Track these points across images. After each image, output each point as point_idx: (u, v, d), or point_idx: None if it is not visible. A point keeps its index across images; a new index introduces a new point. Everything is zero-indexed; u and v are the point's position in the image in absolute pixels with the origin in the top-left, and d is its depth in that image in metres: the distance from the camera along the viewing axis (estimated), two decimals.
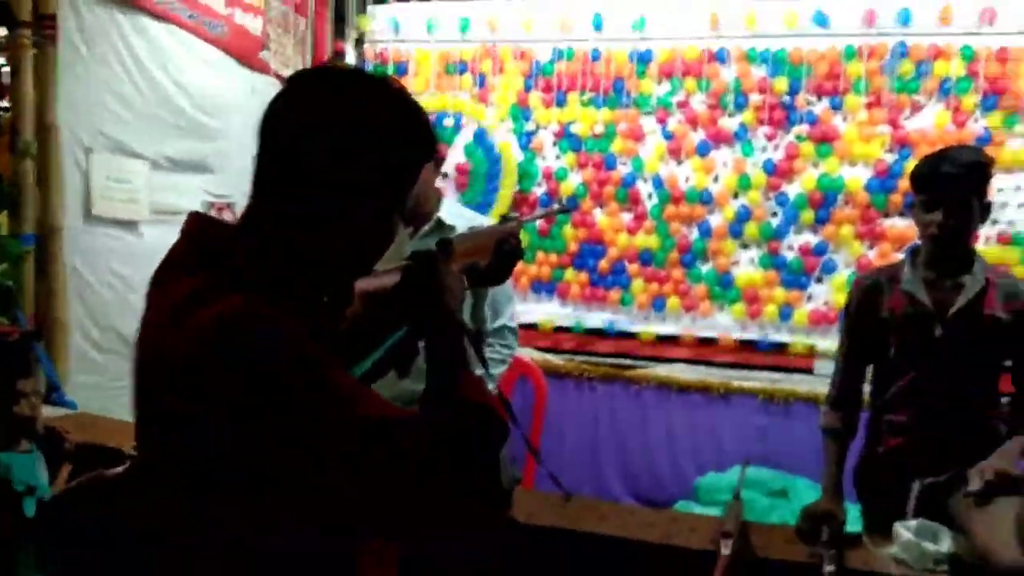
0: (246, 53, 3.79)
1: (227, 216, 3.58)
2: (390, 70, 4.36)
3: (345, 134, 0.96)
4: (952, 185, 1.96)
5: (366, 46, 4.40)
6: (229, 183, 3.61)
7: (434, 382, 1.04)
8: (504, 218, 1.41)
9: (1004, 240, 3.60)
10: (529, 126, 4.19)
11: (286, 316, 0.91)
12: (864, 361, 2.24)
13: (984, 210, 2.03)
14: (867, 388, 2.29)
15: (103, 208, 3.05)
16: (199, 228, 1.02)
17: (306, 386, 0.88)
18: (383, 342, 1.14)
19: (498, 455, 1.01)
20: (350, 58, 4.42)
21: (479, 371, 1.12)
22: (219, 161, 3.60)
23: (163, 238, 3.65)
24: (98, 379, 3.07)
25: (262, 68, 3.83)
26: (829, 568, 1.78)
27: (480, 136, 4.20)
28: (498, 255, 1.28)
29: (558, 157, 4.18)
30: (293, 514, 0.92)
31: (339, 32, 4.41)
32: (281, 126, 0.98)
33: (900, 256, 2.23)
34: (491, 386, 2.30)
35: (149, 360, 0.97)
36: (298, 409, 0.87)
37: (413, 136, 1.03)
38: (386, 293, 1.14)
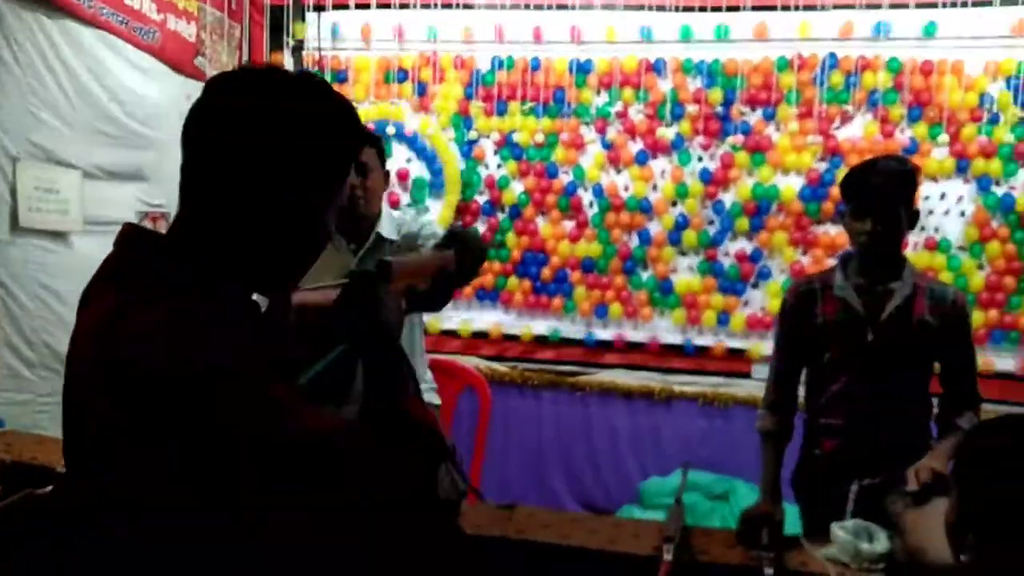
0: (180, 59, 3.71)
1: (161, 226, 3.50)
2: (328, 78, 4.32)
3: (265, 133, 0.95)
4: (880, 194, 2.04)
5: (304, 53, 4.35)
6: (164, 192, 3.53)
7: (372, 400, 1.03)
8: (445, 240, 1.41)
9: (931, 246, 3.73)
10: (471, 135, 4.20)
11: (218, 325, 0.89)
12: (798, 365, 2.30)
13: (911, 217, 2.10)
14: (803, 391, 2.35)
15: (31, 219, 2.95)
16: (129, 238, 1.00)
17: (240, 398, 0.85)
18: (319, 359, 1.12)
19: (433, 473, 1.01)
20: (288, 66, 4.36)
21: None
22: (153, 170, 3.52)
23: (96, 250, 3.55)
24: (28, 396, 2.97)
25: (196, 75, 3.76)
26: (768, 571, 1.82)
27: (421, 146, 4.19)
28: (436, 280, 1.28)
29: (500, 165, 4.20)
30: (229, 528, 0.90)
31: (276, 39, 4.35)
32: (200, 131, 0.97)
33: (832, 262, 2.29)
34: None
35: (77, 374, 0.95)
36: (232, 422, 0.85)
37: (337, 130, 1.01)
38: (324, 309, 1.13)
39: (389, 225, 2.34)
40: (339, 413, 1.06)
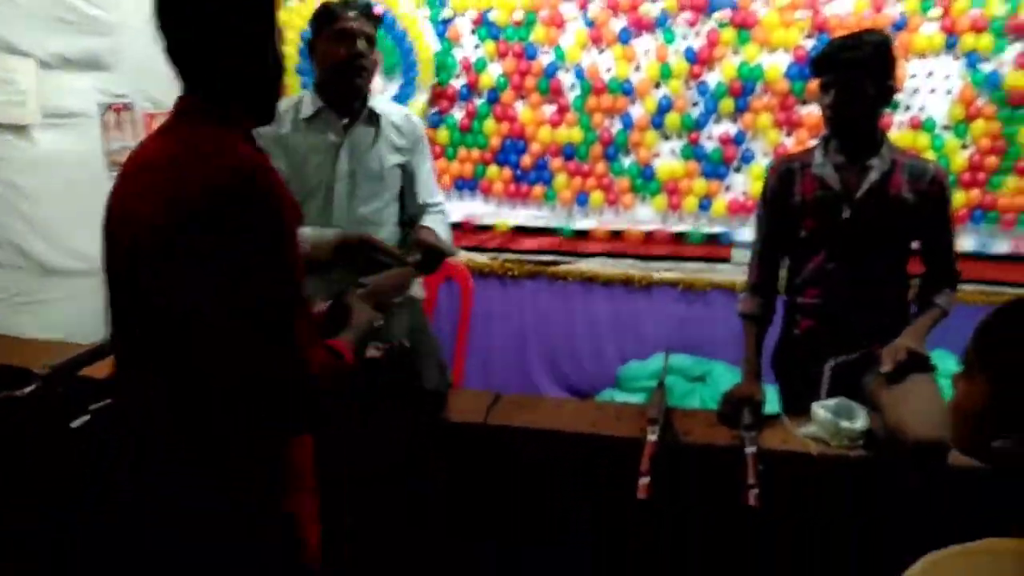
0: None
1: (125, 116, 3.36)
2: None
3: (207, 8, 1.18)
4: (844, 66, 2.01)
5: None
6: (127, 81, 3.36)
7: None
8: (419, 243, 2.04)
9: (916, 125, 3.67)
10: (445, 13, 4.01)
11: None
12: (779, 247, 2.30)
13: (884, 92, 2.05)
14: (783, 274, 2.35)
15: None
16: (184, 105, 1.24)
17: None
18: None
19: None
20: None
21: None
22: (114, 58, 3.33)
23: (58, 142, 3.43)
24: None
25: None
26: (750, 449, 1.86)
27: (390, 24, 3.99)
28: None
29: (476, 47, 4.04)
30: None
31: None
32: (166, 8, 1.20)
33: (814, 143, 2.25)
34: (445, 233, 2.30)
35: (145, 225, 1.13)
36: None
37: None
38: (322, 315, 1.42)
39: (377, 104, 2.29)
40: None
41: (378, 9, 3.88)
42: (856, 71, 2.00)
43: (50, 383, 1.86)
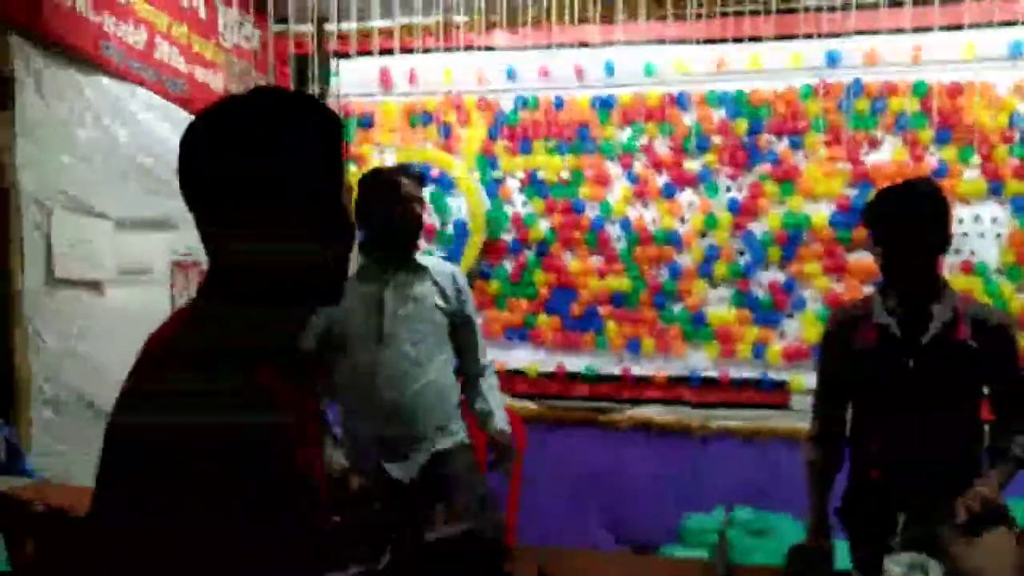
0: None
1: (192, 273, 3.53)
2: (354, 123, 4.37)
3: (241, 147, 0.95)
4: (899, 221, 2.00)
5: (328, 101, 4.41)
6: (195, 239, 3.54)
7: None
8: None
9: (967, 269, 3.66)
10: (496, 174, 4.21)
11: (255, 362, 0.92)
12: (842, 395, 2.24)
13: (942, 240, 2.05)
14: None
15: (65, 269, 2.98)
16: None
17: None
18: None
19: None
20: None
21: None
22: (182, 218, 3.53)
23: (129, 298, 3.59)
24: (62, 447, 2.97)
25: None
26: None
27: (447, 185, 4.20)
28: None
29: (525, 203, 4.20)
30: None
31: (301, 89, 4.42)
32: (189, 156, 1.00)
33: (869, 290, 2.26)
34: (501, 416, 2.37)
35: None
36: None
37: (313, 123, 0.99)
38: None
39: (423, 258, 2.40)
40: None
41: (433, 172, 4.14)
42: (912, 225, 1.99)
43: None
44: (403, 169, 2.38)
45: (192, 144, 0.99)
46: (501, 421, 2.51)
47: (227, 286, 1.00)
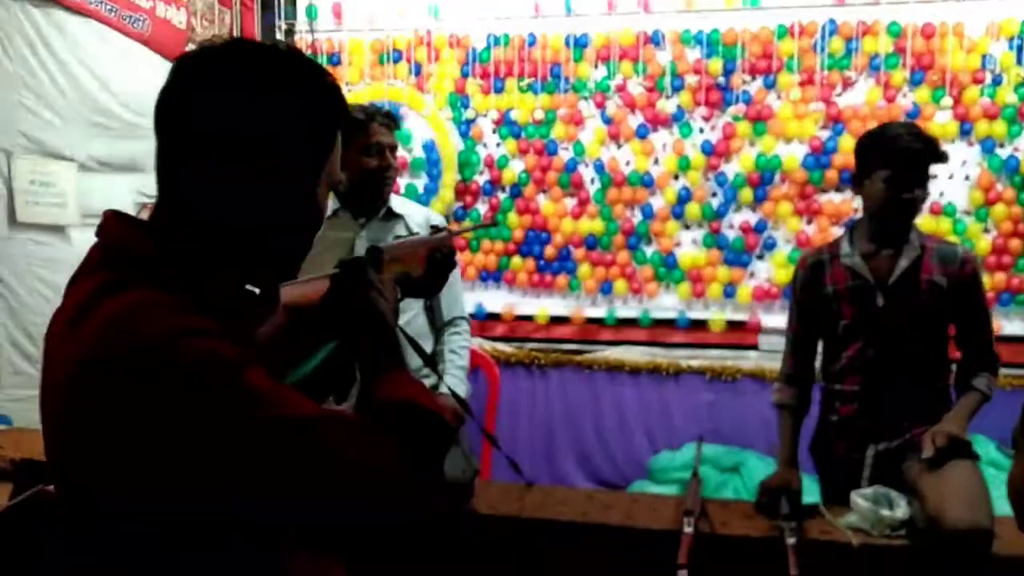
0: (170, 47, 3.65)
1: None
2: (323, 61, 4.27)
3: (238, 99, 0.90)
4: (921, 161, 2.01)
5: (296, 37, 4.30)
6: None
7: (369, 385, 0.99)
8: (435, 228, 1.41)
9: (936, 211, 3.70)
10: (468, 114, 4.15)
11: (190, 312, 0.84)
12: (813, 336, 2.29)
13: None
14: (819, 362, 2.33)
15: (29, 214, 2.92)
16: (109, 225, 0.93)
17: (213, 387, 0.79)
18: (311, 356, 1.08)
19: (437, 455, 0.97)
20: None
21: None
22: (149, 160, 3.44)
23: (93, 241, 3.52)
24: (32, 392, 2.93)
25: None
26: (790, 540, 1.81)
27: (418, 126, 4.14)
28: (431, 265, 1.25)
29: (499, 144, 4.15)
30: (212, 530, 0.85)
31: (267, 22, 4.29)
32: (171, 112, 0.92)
33: (838, 231, 2.28)
34: (461, 378, 2.30)
35: (49, 364, 0.89)
36: (204, 413, 0.79)
37: (313, 93, 0.95)
38: (313, 303, 1.09)
39: (397, 203, 2.34)
40: (326, 403, 1.02)
41: (403, 111, 4.07)
42: (918, 160, 2.01)
43: None
44: (374, 112, 2.27)
45: (180, 97, 0.93)
46: (452, 381, 2.30)
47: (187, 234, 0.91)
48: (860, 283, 2.13)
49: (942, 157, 2.07)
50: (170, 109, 0.93)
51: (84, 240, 3.12)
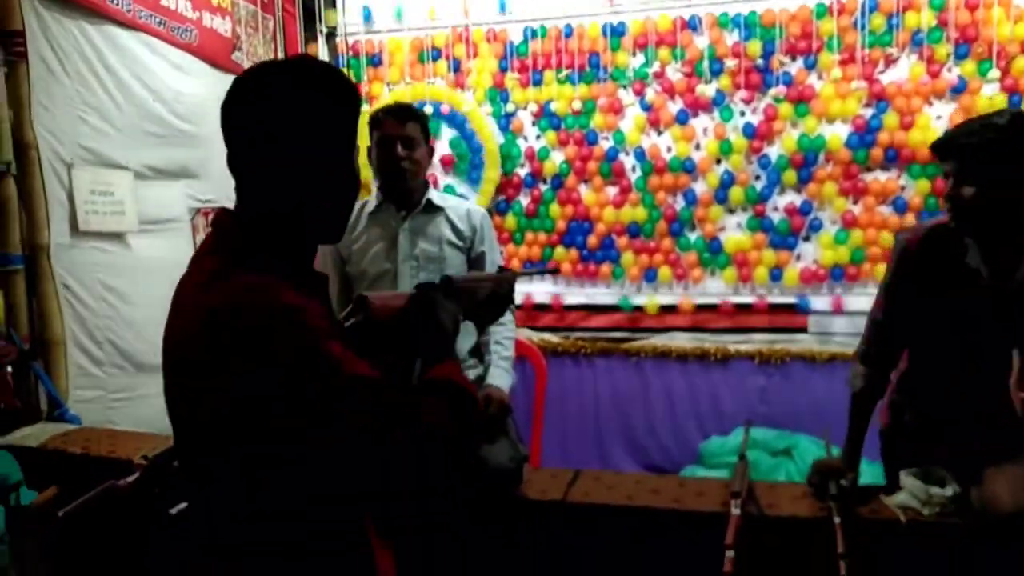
0: (217, 56, 3.77)
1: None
2: (363, 62, 4.35)
3: (269, 103, 1.09)
4: (967, 154, 1.79)
5: (337, 40, 4.38)
6: (213, 186, 3.60)
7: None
8: (501, 268, 1.60)
9: None
10: (507, 108, 4.19)
11: (286, 290, 1.03)
12: (904, 327, 2.03)
13: (1017, 179, 1.78)
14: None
15: (89, 222, 3.04)
16: (217, 218, 1.16)
17: (306, 351, 1.00)
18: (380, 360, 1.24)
19: (471, 434, 1.17)
20: (322, 53, 4.40)
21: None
22: (201, 165, 3.59)
23: (152, 247, 3.66)
24: (99, 393, 3.07)
25: (235, 69, 3.81)
26: (837, 519, 1.82)
27: (459, 123, 4.20)
28: (492, 299, 1.44)
29: (539, 137, 4.19)
30: (300, 487, 1.05)
31: (309, 28, 4.39)
32: (225, 116, 1.14)
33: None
34: (507, 368, 2.35)
35: (170, 345, 1.10)
36: (297, 370, 0.99)
37: (335, 91, 1.13)
38: (392, 312, 1.30)
39: (437, 197, 2.39)
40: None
41: (444, 109, 4.12)
42: (981, 160, 1.77)
43: (149, 472, 1.96)
44: (387, 108, 2.33)
45: (237, 98, 1.13)
46: (496, 376, 2.31)
47: (253, 228, 1.11)
48: (972, 279, 1.87)
49: (1007, 147, 1.76)
50: (230, 118, 1.13)
51: (143, 245, 3.25)
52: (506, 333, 2.45)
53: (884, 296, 2.04)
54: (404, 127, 2.28)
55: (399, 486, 1.17)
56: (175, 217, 3.48)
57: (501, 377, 2.32)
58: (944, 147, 1.85)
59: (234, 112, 1.13)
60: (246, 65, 3.88)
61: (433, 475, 1.11)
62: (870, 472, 2.19)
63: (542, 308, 4.24)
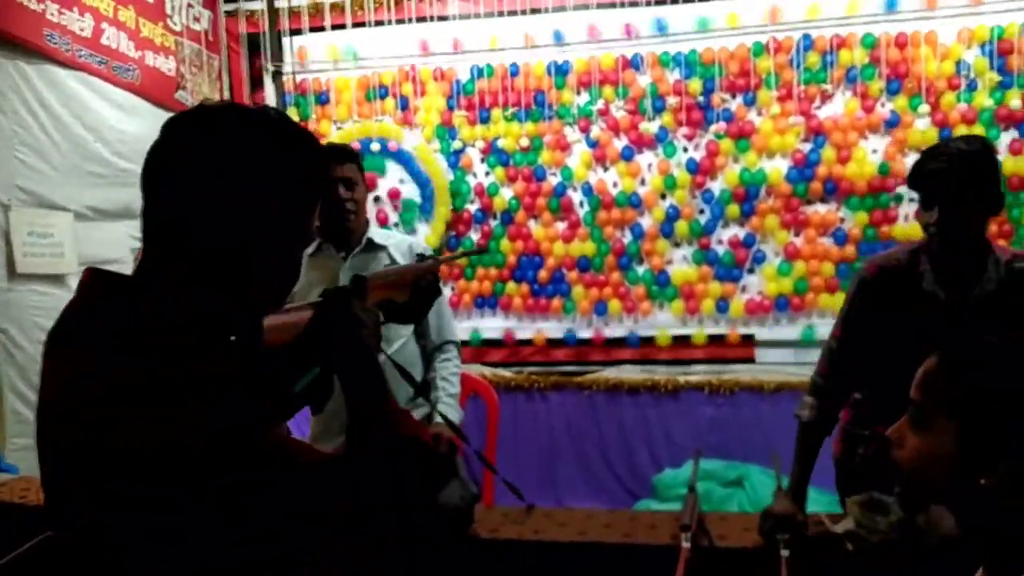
0: (161, 95, 3.73)
1: None
2: (311, 100, 4.35)
3: (223, 175, 0.94)
4: (942, 181, 1.80)
5: (284, 78, 4.38)
6: None
7: (356, 419, 1.03)
8: (421, 256, 1.45)
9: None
10: (456, 144, 4.22)
11: (197, 384, 0.86)
12: (861, 353, 2.05)
13: (990, 202, 1.84)
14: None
15: (27, 265, 2.97)
16: (94, 285, 0.97)
17: (241, 454, 0.84)
18: (295, 382, 1.10)
19: (433, 487, 1.01)
20: (268, 91, 4.39)
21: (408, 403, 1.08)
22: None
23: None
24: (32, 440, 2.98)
25: (178, 108, 3.78)
26: (784, 553, 1.83)
27: (407, 160, 4.22)
28: (415, 292, 1.31)
29: (487, 173, 4.22)
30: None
31: (255, 66, 4.38)
32: (162, 174, 0.96)
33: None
34: (453, 405, 2.33)
35: (55, 434, 0.93)
36: (239, 480, 0.84)
37: (297, 161, 1.00)
38: (297, 330, 1.11)
39: (379, 235, 2.38)
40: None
41: (392, 145, 4.13)
42: (956, 185, 1.78)
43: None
44: (324, 149, 2.32)
45: (168, 161, 0.97)
46: (445, 408, 2.31)
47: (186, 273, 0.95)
48: (932, 309, 1.89)
49: (978, 172, 1.79)
50: (158, 176, 0.96)
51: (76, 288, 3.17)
52: (452, 368, 2.44)
53: (842, 325, 2.06)
54: (343, 168, 2.27)
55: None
56: (117, 258, 3.41)
57: (449, 414, 2.30)
58: (915, 176, 1.88)
59: (179, 148, 0.96)
60: (191, 104, 3.86)
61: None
62: (819, 502, 2.22)
63: (492, 343, 4.24)
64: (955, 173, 1.79)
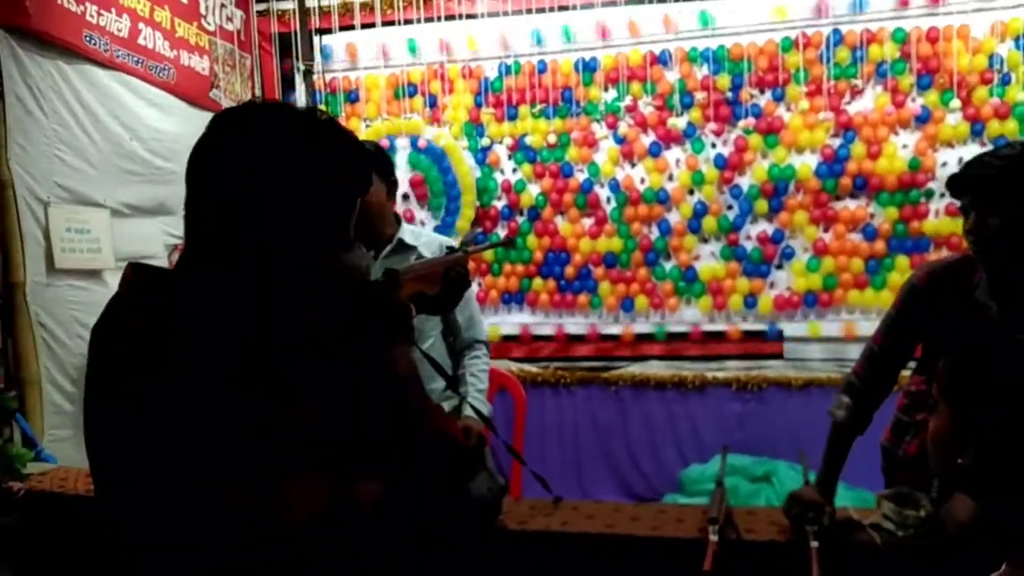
0: (195, 94, 3.80)
1: None
2: (340, 98, 4.40)
3: (268, 173, 0.96)
4: (981, 188, 1.77)
5: (314, 77, 4.43)
6: None
7: (390, 417, 1.04)
8: (451, 249, 1.47)
9: (953, 212, 3.71)
10: (483, 142, 4.25)
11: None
12: (902, 358, 2.03)
13: None
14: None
15: (65, 260, 3.04)
16: (137, 279, 1.03)
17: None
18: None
19: (462, 484, 1.04)
20: (299, 89, 4.44)
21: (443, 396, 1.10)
22: (178, 202, 3.55)
23: None
24: (73, 431, 3.05)
25: (212, 107, 3.85)
26: (814, 544, 1.84)
27: (436, 155, 4.25)
28: (446, 283, 1.33)
29: (515, 170, 4.24)
30: None
31: (286, 65, 4.44)
32: (208, 169, 0.98)
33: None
34: (482, 400, 2.36)
35: (108, 422, 0.99)
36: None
37: (345, 165, 1.02)
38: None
39: (410, 234, 2.40)
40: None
41: (421, 143, 4.16)
42: (995, 194, 1.74)
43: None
44: None
45: (215, 156, 1.00)
46: (474, 403, 2.33)
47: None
48: (985, 325, 1.84)
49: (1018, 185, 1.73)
50: (204, 170, 0.99)
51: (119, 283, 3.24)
52: (481, 364, 2.47)
53: (885, 329, 2.03)
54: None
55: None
56: (152, 254, 3.48)
57: (479, 402, 2.34)
58: (959, 182, 1.84)
59: (227, 142, 0.98)
60: (224, 103, 3.92)
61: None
62: (847, 497, 2.22)
63: (518, 339, 4.27)
64: (996, 180, 1.75)
